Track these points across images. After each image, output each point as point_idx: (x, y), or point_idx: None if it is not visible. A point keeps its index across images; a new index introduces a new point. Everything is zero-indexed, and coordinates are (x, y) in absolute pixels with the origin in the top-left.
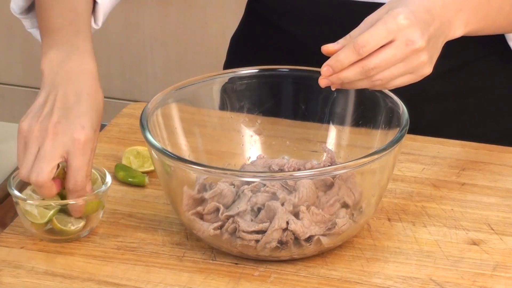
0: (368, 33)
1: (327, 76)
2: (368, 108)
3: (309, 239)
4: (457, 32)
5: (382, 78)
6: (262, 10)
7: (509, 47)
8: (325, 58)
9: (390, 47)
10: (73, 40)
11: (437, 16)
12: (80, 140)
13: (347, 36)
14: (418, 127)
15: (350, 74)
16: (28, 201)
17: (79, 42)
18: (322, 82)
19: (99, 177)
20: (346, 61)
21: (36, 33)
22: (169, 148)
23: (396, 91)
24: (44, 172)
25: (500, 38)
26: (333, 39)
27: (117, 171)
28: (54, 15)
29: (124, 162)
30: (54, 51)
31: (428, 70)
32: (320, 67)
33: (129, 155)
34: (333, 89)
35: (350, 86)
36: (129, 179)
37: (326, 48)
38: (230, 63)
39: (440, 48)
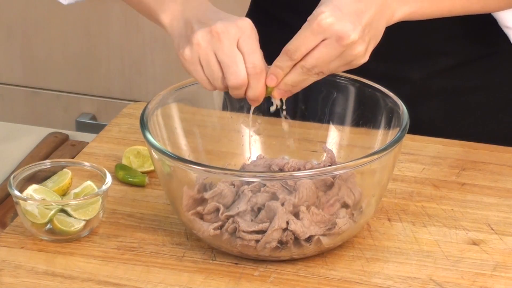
0: (296, 38)
1: (274, 84)
2: (368, 108)
3: (309, 239)
4: (396, 13)
5: (323, 71)
6: (267, 5)
7: (509, 47)
8: None
9: (322, 46)
10: None
11: (370, 2)
12: (246, 26)
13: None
14: (417, 126)
15: (293, 77)
16: (29, 201)
17: None
18: (275, 94)
19: (95, 187)
20: (285, 67)
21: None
22: (169, 148)
23: (395, 89)
24: (239, 71)
25: (499, 37)
26: None
27: (117, 171)
28: None
29: (124, 162)
30: (169, 3)
31: (363, 60)
32: None
33: (129, 155)
34: (284, 97)
35: (298, 88)
36: (129, 179)
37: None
38: None
39: (381, 32)
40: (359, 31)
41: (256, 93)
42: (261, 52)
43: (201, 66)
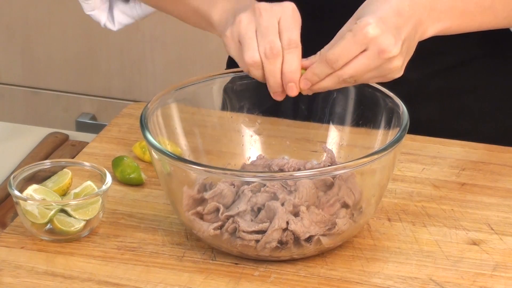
0: (339, 47)
1: (307, 88)
2: (368, 108)
3: (309, 239)
4: (429, 31)
5: (356, 80)
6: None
7: (508, 46)
8: None
9: (363, 57)
10: None
11: (408, 17)
12: (289, 6)
13: (318, 53)
14: (415, 126)
15: (328, 84)
16: (29, 201)
17: None
18: (294, 91)
19: (95, 187)
20: (322, 75)
21: (96, 15)
22: (169, 148)
23: (393, 90)
24: (274, 42)
25: (498, 37)
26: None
27: (114, 167)
28: None
29: (135, 152)
30: (222, 2)
31: (399, 74)
32: None
33: (140, 147)
34: (309, 93)
35: (331, 89)
36: (127, 176)
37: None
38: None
39: (414, 47)
40: (400, 46)
41: (292, 68)
42: (299, 31)
43: (240, 43)
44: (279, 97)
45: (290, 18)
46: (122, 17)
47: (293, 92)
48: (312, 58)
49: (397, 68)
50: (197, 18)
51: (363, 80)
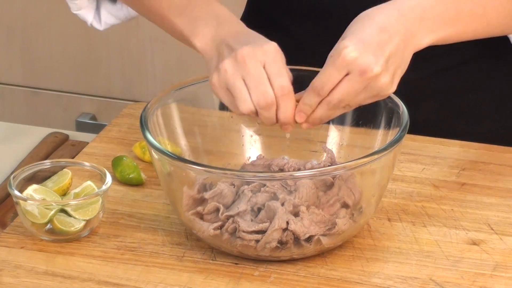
0: (323, 74)
1: (303, 121)
2: (368, 108)
3: (309, 239)
4: (423, 41)
5: (350, 104)
6: (263, 7)
7: (507, 46)
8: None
9: (346, 80)
10: (212, 11)
11: (394, 32)
12: (271, 49)
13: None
14: (414, 126)
15: (321, 112)
16: (29, 201)
17: (219, 13)
18: (304, 126)
19: (95, 187)
20: (313, 104)
21: (83, 14)
22: (169, 148)
23: None
24: (266, 92)
25: (498, 37)
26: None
27: (114, 167)
28: None
29: (135, 152)
30: (202, 27)
31: (391, 90)
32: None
33: (140, 147)
34: (314, 126)
35: (329, 118)
36: (127, 176)
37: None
38: None
39: (407, 60)
40: (382, 63)
41: (287, 114)
42: (289, 74)
43: (230, 91)
44: (286, 131)
45: (276, 62)
46: (108, 17)
47: (288, 130)
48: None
49: (385, 84)
50: (183, 40)
51: (356, 103)
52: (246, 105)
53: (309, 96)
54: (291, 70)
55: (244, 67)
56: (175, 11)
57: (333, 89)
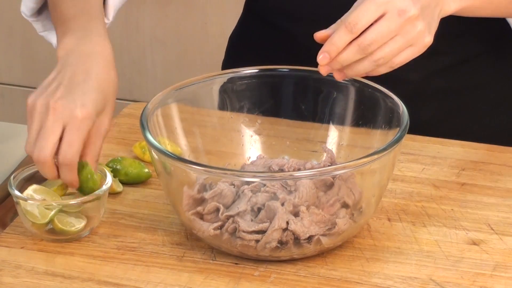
0: (358, 10)
1: (326, 63)
2: (368, 108)
3: (309, 239)
4: (452, 5)
5: (384, 56)
6: (260, 9)
7: (507, 45)
8: None
9: (383, 20)
10: (87, 26)
11: None
12: (78, 117)
13: (338, 21)
14: (415, 125)
15: (348, 55)
16: (29, 201)
17: (93, 27)
18: (323, 70)
19: (108, 175)
20: (341, 43)
21: (48, 36)
22: (169, 148)
23: (393, 89)
24: (44, 149)
25: (498, 35)
26: None
27: (115, 172)
28: (67, 7)
29: (135, 152)
30: (68, 37)
31: (428, 39)
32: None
33: (140, 147)
34: (337, 78)
35: (353, 71)
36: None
37: (319, 34)
38: (228, 62)
39: (437, 19)
40: (419, 8)
41: (67, 180)
42: (80, 148)
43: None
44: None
45: (75, 131)
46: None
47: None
48: (334, 25)
49: (421, 31)
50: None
51: (393, 52)
52: (27, 148)
53: (339, 34)
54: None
55: (47, 117)
56: (69, 10)
57: (366, 29)
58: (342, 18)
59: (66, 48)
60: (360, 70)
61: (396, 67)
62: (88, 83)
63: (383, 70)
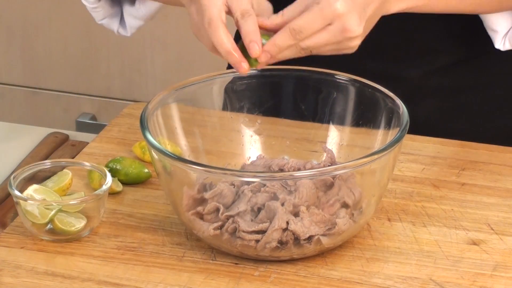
0: (304, 19)
1: (266, 61)
2: (368, 108)
3: (309, 239)
4: (392, 8)
5: (313, 52)
6: None
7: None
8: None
9: (325, 32)
10: None
11: None
12: None
13: (280, 13)
14: (414, 125)
15: (287, 54)
16: (29, 201)
17: None
18: (255, 50)
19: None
20: (284, 46)
21: (109, 22)
22: (169, 148)
23: (392, 88)
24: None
25: None
26: None
27: (114, 172)
28: None
29: (135, 152)
30: None
31: (352, 51)
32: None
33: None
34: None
35: (282, 58)
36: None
37: (260, 23)
38: None
39: (373, 24)
40: (363, 26)
41: (249, 32)
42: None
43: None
44: (241, 69)
45: None
46: (132, 20)
47: (254, 51)
48: (274, 18)
49: (355, 46)
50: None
51: (319, 51)
52: (208, 45)
53: (283, 37)
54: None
55: (201, 1)
56: None
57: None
58: (285, 13)
59: None
60: (285, 56)
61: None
62: None
63: (303, 55)
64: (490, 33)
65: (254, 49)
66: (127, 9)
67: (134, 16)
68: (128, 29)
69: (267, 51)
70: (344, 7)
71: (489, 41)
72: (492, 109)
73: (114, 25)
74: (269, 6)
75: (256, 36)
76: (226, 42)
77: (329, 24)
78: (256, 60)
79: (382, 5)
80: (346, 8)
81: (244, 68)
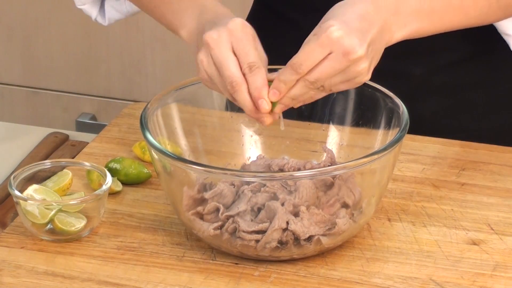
0: (303, 51)
1: (277, 99)
2: (368, 108)
3: (309, 239)
4: (395, 35)
5: (324, 86)
6: (270, 1)
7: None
8: None
9: (328, 60)
10: (197, 0)
11: (372, 21)
12: (235, 27)
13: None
14: (418, 122)
15: (296, 91)
16: (29, 201)
17: (203, 1)
18: (277, 109)
19: (108, 175)
20: (289, 82)
21: (88, 8)
22: (169, 148)
23: (396, 85)
24: (231, 68)
25: (500, 33)
26: None
27: (114, 172)
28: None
29: (135, 152)
30: (186, 18)
31: (366, 78)
32: None
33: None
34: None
35: (298, 102)
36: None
37: (268, 77)
38: None
39: (380, 52)
40: (365, 47)
41: (257, 85)
42: (257, 49)
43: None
44: (264, 122)
45: (241, 40)
46: (112, 12)
47: (263, 108)
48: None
49: (364, 70)
50: (173, 31)
51: (331, 85)
52: (224, 91)
53: (285, 73)
54: None
55: (212, 52)
56: (165, 2)
57: (313, 68)
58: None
59: (190, 30)
60: (304, 100)
61: (329, 93)
62: (229, 14)
63: (318, 97)
64: (505, 37)
65: (263, 107)
66: (110, 1)
67: (116, 9)
68: (107, 19)
69: (274, 89)
70: (339, 32)
71: (493, 39)
72: (497, 106)
73: (93, 12)
74: (265, 58)
75: (265, 92)
76: (250, 104)
77: (330, 53)
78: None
79: (382, 32)
80: (342, 32)
81: (268, 122)
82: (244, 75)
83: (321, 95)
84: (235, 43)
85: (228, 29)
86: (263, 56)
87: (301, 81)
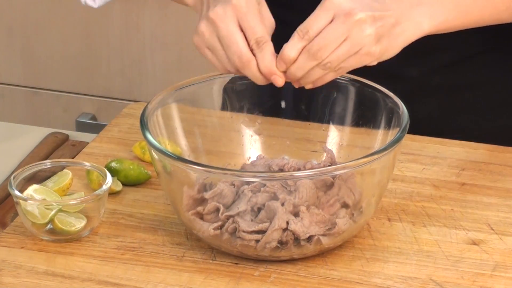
0: (309, 19)
1: (283, 69)
2: (368, 108)
3: (309, 239)
4: (423, 26)
5: (330, 61)
6: (268, 4)
7: (509, 42)
8: None
9: (331, 24)
10: None
11: (389, 6)
12: (240, 2)
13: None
14: (416, 123)
15: (300, 63)
16: (29, 201)
17: None
18: (279, 81)
19: (108, 175)
20: (294, 50)
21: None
22: (169, 148)
23: (394, 86)
24: (239, 44)
25: (500, 32)
26: None
27: (114, 172)
28: None
29: (135, 152)
30: None
31: (375, 48)
32: None
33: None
34: (296, 86)
35: (306, 80)
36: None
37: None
38: None
39: (399, 45)
40: (369, 15)
41: (266, 64)
42: (268, 21)
43: (211, 51)
44: (277, 84)
45: (247, 15)
46: None
47: (278, 83)
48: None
49: (368, 37)
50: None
51: (338, 59)
52: (224, 67)
53: (292, 41)
54: None
55: (217, 29)
56: None
57: (317, 35)
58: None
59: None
60: (312, 78)
61: (342, 73)
62: None
63: (329, 77)
64: None
65: (277, 82)
66: None
67: None
68: (97, 1)
69: (281, 59)
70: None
71: (491, 39)
72: (494, 107)
73: None
74: (272, 23)
75: (272, 70)
76: (261, 77)
77: (333, 18)
78: None
79: (399, 22)
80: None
81: (281, 83)
82: (251, 50)
83: (330, 76)
84: (241, 19)
85: (233, 5)
86: (270, 21)
87: (304, 51)
